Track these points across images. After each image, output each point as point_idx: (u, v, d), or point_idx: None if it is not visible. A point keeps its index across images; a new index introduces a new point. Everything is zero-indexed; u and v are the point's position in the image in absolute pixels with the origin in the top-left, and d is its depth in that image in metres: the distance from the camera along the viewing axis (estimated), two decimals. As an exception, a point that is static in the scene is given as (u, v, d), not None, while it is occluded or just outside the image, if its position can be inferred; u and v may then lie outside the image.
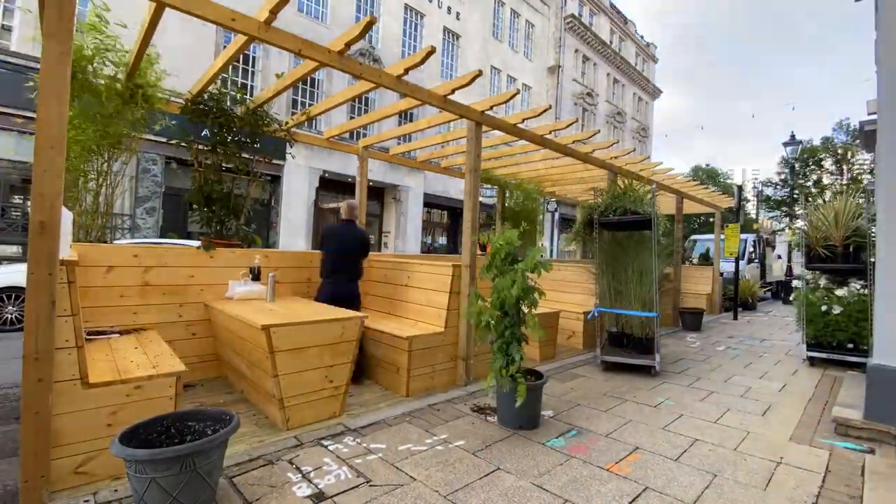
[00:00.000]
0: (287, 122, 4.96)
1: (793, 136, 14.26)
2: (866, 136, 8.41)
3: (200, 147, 4.37)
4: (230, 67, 4.05)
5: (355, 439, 2.93)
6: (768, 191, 33.57)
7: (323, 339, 3.13)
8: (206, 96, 4.35)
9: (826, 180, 31.74)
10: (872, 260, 4.10)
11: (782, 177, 33.17)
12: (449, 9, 19.28)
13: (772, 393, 4.37)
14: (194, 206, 4.42)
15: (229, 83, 4.81)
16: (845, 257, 5.57)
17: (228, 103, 4.51)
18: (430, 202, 18.82)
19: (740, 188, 11.35)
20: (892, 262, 3.23)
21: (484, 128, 4.68)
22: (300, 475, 2.45)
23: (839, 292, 5.48)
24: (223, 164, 4.44)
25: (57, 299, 2.10)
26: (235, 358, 3.61)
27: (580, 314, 6.06)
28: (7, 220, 9.91)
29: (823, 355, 5.52)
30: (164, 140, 9.73)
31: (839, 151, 31.14)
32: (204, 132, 4.44)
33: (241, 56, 11.86)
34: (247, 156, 4.62)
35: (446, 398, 3.82)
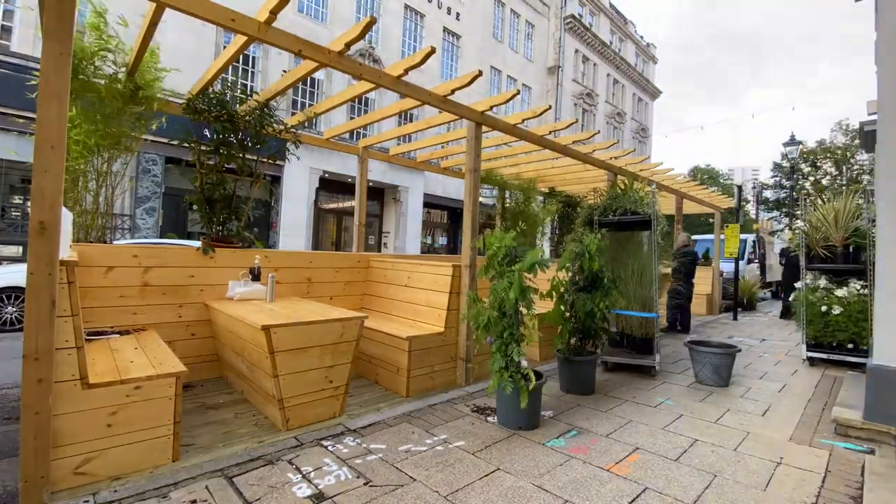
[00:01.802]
0: (286, 123, 4.90)
1: (793, 137, 14.28)
2: (866, 137, 8.41)
3: (203, 147, 4.29)
4: (230, 68, 4.03)
5: (355, 439, 2.93)
6: (767, 192, 33.59)
7: (323, 340, 3.13)
8: (210, 94, 4.28)
9: (824, 181, 31.75)
10: (872, 260, 4.10)
11: (776, 178, 33.20)
12: (449, 9, 19.29)
13: (771, 393, 4.37)
14: (194, 207, 4.39)
15: (230, 84, 4.69)
16: (845, 257, 5.57)
17: (231, 102, 4.41)
18: (430, 202, 18.83)
19: (740, 188, 11.36)
20: (891, 262, 3.23)
21: (484, 128, 4.69)
22: (300, 475, 2.45)
23: (839, 292, 5.48)
24: (225, 165, 4.36)
25: (57, 299, 2.10)
26: (235, 358, 3.61)
27: (580, 314, 6.05)
28: (7, 220, 9.91)
29: (823, 355, 5.52)
30: (164, 140, 9.76)
31: (838, 152, 31.15)
32: (205, 131, 4.41)
33: (241, 56, 11.87)
34: (251, 157, 4.52)
35: (446, 398, 3.82)
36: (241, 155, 4.41)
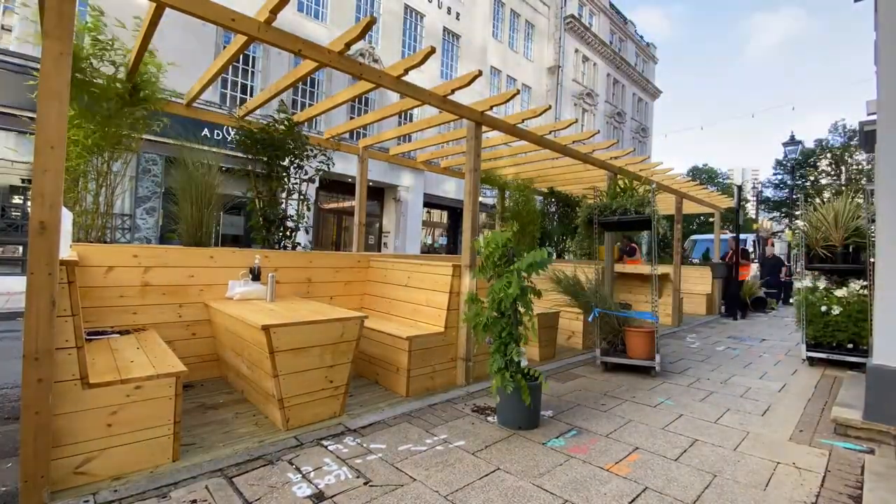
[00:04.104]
0: (326, 134, 5.98)
1: (792, 137, 14.28)
2: (866, 137, 8.41)
3: (257, 173, 4.91)
4: (230, 67, 4.06)
5: (355, 439, 2.93)
6: (767, 192, 33.61)
7: (323, 339, 3.13)
8: (255, 131, 4.84)
9: (823, 181, 31.79)
10: (872, 260, 4.10)
11: (778, 177, 33.25)
12: (449, 9, 19.28)
13: (771, 393, 4.38)
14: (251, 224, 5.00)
15: (283, 111, 5.29)
16: (845, 257, 5.57)
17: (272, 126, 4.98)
18: (430, 202, 18.82)
19: (740, 188, 11.35)
20: (891, 262, 3.24)
21: (484, 128, 4.69)
22: (300, 475, 2.45)
23: (839, 292, 5.48)
24: (272, 188, 4.97)
25: (57, 299, 2.10)
26: (235, 358, 3.61)
27: (580, 314, 6.06)
28: (7, 219, 9.91)
29: (823, 355, 5.53)
30: (164, 140, 9.76)
31: (837, 152, 31.18)
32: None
33: (241, 56, 11.86)
34: (295, 179, 5.20)
35: (446, 398, 3.82)
36: (285, 175, 5.05)
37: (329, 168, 5.45)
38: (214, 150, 4.64)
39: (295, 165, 5.13)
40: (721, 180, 43.50)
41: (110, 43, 3.82)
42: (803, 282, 6.01)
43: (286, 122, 5.04)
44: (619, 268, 8.83)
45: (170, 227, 11.46)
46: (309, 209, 5.34)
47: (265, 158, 4.87)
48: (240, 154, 4.98)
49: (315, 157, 5.40)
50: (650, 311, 5.01)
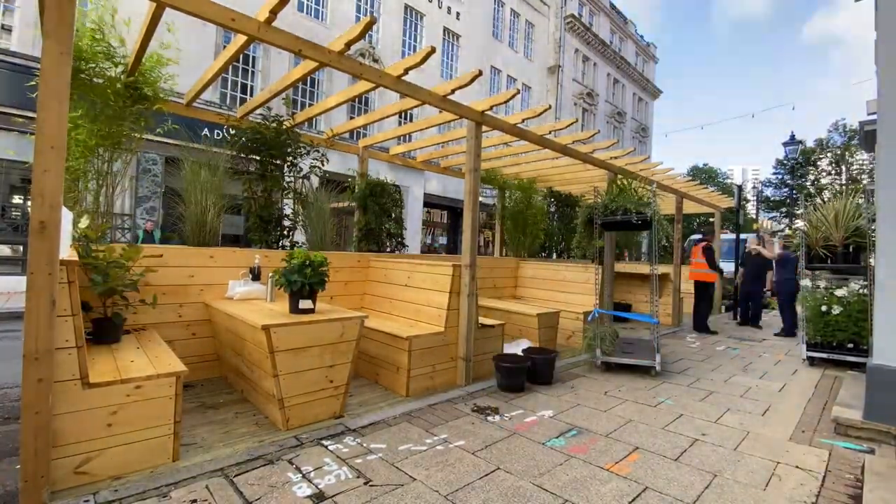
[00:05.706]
0: (327, 133, 5.96)
1: (792, 137, 14.26)
2: (866, 137, 8.41)
3: (251, 174, 4.86)
4: (230, 67, 4.06)
5: (355, 439, 2.93)
6: (768, 191, 33.63)
7: (323, 339, 3.13)
8: (248, 131, 4.80)
9: (824, 180, 31.82)
10: (872, 260, 4.10)
11: (778, 177, 33.27)
12: (449, 9, 19.27)
13: (771, 393, 4.38)
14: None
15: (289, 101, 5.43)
16: (845, 257, 5.57)
17: (267, 126, 4.93)
18: (430, 202, 18.81)
19: (740, 188, 11.36)
20: (891, 262, 3.24)
21: (484, 128, 4.68)
22: (300, 475, 2.45)
23: (839, 292, 5.48)
24: (267, 187, 4.92)
25: (57, 299, 2.10)
26: (235, 358, 3.61)
27: (580, 314, 6.06)
28: (7, 219, 9.91)
29: (823, 355, 5.53)
30: (164, 140, 9.76)
31: (837, 151, 31.19)
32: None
33: (241, 56, 11.86)
34: (289, 178, 5.19)
35: (446, 398, 3.82)
36: (278, 174, 4.99)
37: (323, 164, 5.40)
38: (215, 149, 4.61)
39: (288, 164, 5.09)
40: (721, 180, 43.54)
41: (112, 44, 3.81)
42: (803, 281, 6.02)
43: (276, 123, 4.96)
44: (619, 268, 8.84)
45: (170, 227, 11.48)
46: (305, 206, 5.29)
47: (258, 158, 4.83)
48: (231, 153, 4.93)
49: (308, 153, 5.33)
50: (650, 312, 5.01)
